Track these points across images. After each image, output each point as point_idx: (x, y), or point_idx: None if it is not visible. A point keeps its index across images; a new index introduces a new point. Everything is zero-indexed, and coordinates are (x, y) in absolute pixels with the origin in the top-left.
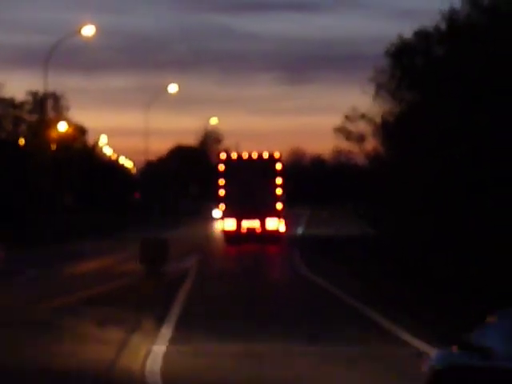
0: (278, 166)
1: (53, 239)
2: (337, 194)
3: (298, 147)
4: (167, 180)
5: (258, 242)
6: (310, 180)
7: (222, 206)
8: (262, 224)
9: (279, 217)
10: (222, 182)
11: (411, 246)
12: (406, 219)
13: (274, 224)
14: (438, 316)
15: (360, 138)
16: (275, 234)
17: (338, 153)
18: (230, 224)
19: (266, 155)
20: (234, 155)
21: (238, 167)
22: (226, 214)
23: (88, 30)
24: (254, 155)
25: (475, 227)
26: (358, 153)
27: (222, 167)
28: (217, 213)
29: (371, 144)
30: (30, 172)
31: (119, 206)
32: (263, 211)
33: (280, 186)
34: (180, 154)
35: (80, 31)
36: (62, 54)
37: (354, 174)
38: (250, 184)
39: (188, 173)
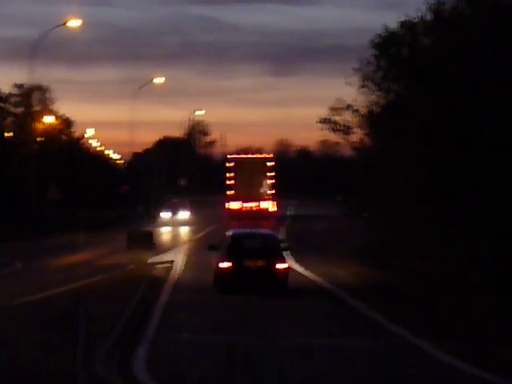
0: (270, 164)
1: (38, 232)
2: (324, 186)
3: (284, 138)
4: (152, 172)
5: (254, 218)
6: (297, 172)
7: (230, 192)
8: (258, 205)
9: (271, 200)
10: (230, 175)
11: (396, 235)
12: (393, 209)
13: (267, 205)
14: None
15: (346, 129)
16: (267, 212)
17: (324, 144)
18: (235, 205)
19: (261, 155)
20: (238, 155)
21: (241, 164)
22: (232, 198)
23: (74, 22)
24: (253, 155)
25: (462, 218)
26: (344, 144)
27: (230, 164)
28: (166, 214)
29: (357, 135)
30: (16, 165)
31: (105, 199)
32: (259, 196)
33: (271, 178)
34: (166, 146)
35: (66, 23)
36: (48, 46)
37: (341, 165)
38: (249, 176)
39: (174, 165)
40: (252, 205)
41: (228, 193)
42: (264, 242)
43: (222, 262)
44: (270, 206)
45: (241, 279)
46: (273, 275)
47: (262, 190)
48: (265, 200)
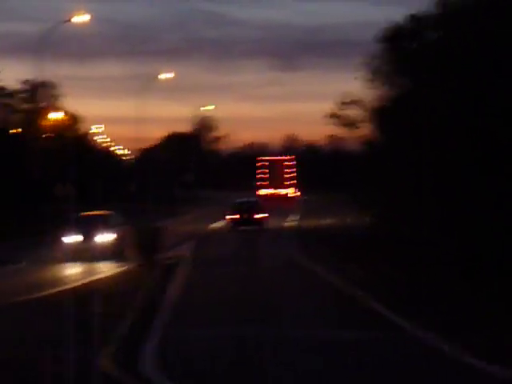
0: (289, 163)
1: (45, 229)
2: (331, 181)
3: (292, 133)
4: (160, 168)
5: (279, 202)
6: (304, 167)
7: (261, 184)
8: (280, 192)
9: (289, 188)
10: (260, 171)
11: (403, 228)
12: (399, 203)
13: (286, 192)
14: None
15: (353, 124)
16: (287, 196)
17: (332, 139)
18: (264, 191)
19: (283, 158)
20: (266, 157)
21: (268, 163)
22: (263, 187)
23: (81, 18)
24: (277, 157)
25: (469, 210)
26: (352, 138)
27: (259, 163)
28: (72, 238)
29: (365, 129)
30: (23, 161)
31: (113, 195)
32: (282, 185)
33: (290, 173)
34: (174, 142)
35: (72, 19)
36: (55, 42)
37: (349, 159)
38: (275, 172)
39: (182, 160)
40: (276, 191)
41: (258, 183)
42: (252, 205)
43: (231, 215)
44: (289, 192)
45: (241, 224)
46: (256, 221)
47: (283, 181)
48: (285, 188)
